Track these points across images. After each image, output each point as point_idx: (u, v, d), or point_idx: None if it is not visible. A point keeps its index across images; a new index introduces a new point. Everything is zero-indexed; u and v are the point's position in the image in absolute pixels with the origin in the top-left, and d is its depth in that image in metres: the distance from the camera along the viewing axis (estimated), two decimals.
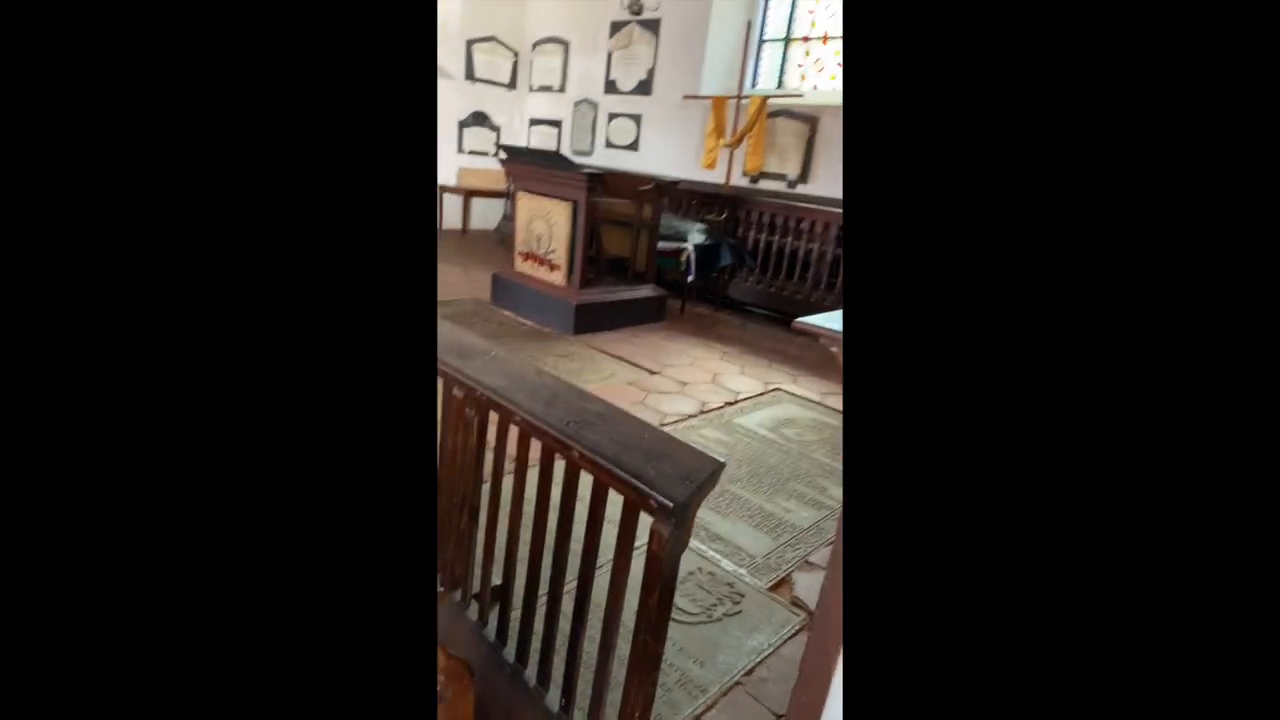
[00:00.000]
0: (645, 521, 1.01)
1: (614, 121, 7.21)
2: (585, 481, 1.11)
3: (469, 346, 1.47)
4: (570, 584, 1.19)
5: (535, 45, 7.95)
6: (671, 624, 1.71)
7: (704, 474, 1.00)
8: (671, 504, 0.96)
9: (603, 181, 4.14)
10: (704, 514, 2.26)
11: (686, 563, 1.96)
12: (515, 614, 1.34)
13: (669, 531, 0.98)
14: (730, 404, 3.33)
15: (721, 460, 1.04)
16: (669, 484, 0.99)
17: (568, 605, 1.19)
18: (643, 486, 0.99)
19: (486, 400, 1.29)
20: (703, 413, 3.17)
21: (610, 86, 7.16)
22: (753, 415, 3.20)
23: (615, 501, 1.05)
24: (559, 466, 1.17)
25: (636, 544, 1.06)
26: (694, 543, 2.07)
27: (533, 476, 1.25)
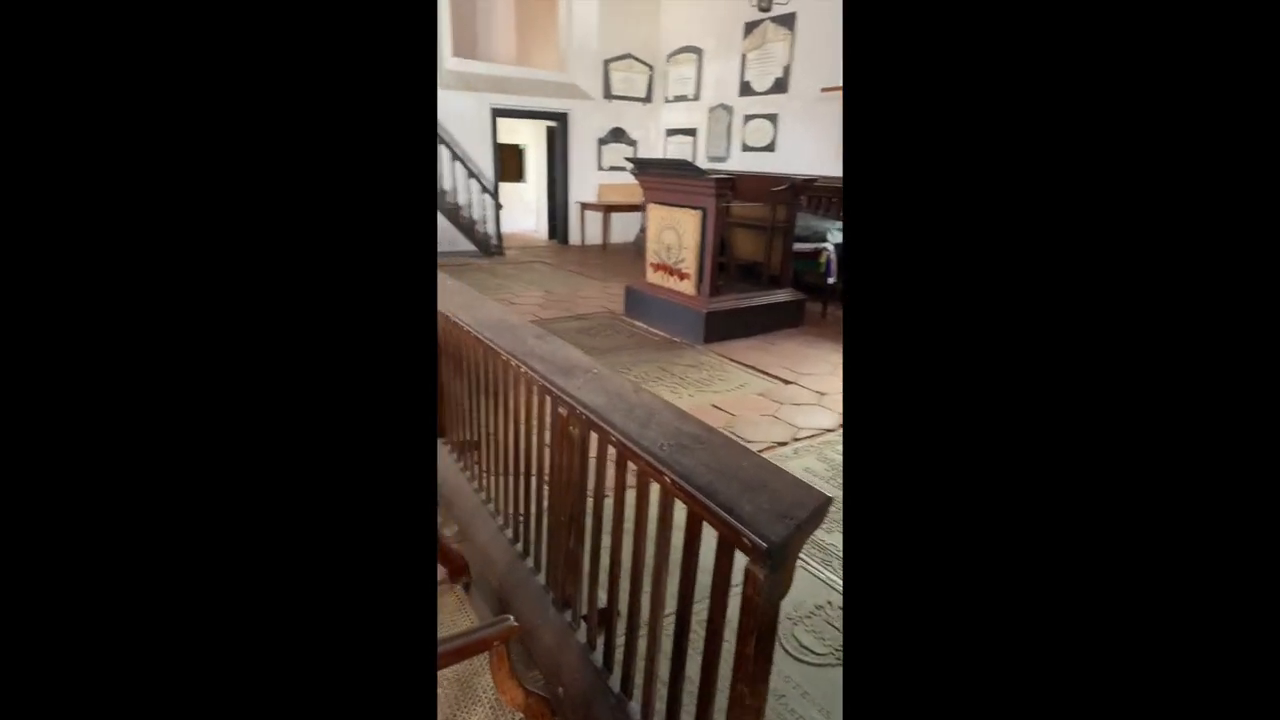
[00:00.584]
0: (742, 559, 0.90)
1: (750, 123, 7.05)
2: (683, 508, 1.03)
3: (574, 364, 1.45)
4: (669, 615, 1.12)
5: (669, 57, 8.02)
6: (795, 663, 1.56)
7: (805, 511, 0.88)
8: (766, 544, 0.85)
9: (732, 186, 4.03)
10: (836, 539, 2.06)
11: (814, 594, 1.79)
12: (620, 640, 1.30)
13: (764, 575, 0.87)
14: None
15: (828, 495, 0.91)
16: (765, 521, 0.88)
17: (670, 634, 1.11)
18: (736, 523, 0.90)
19: (587, 419, 1.26)
20: (841, 427, 2.93)
21: (745, 89, 7.02)
22: None
23: (713, 532, 0.95)
24: (655, 491, 1.10)
25: (734, 582, 0.96)
26: (824, 572, 1.89)
27: (632, 499, 1.19)
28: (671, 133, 8.23)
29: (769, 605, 0.88)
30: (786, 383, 3.48)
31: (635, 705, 1.24)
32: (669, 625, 1.13)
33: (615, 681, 1.30)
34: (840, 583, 1.85)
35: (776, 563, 0.86)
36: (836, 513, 2.23)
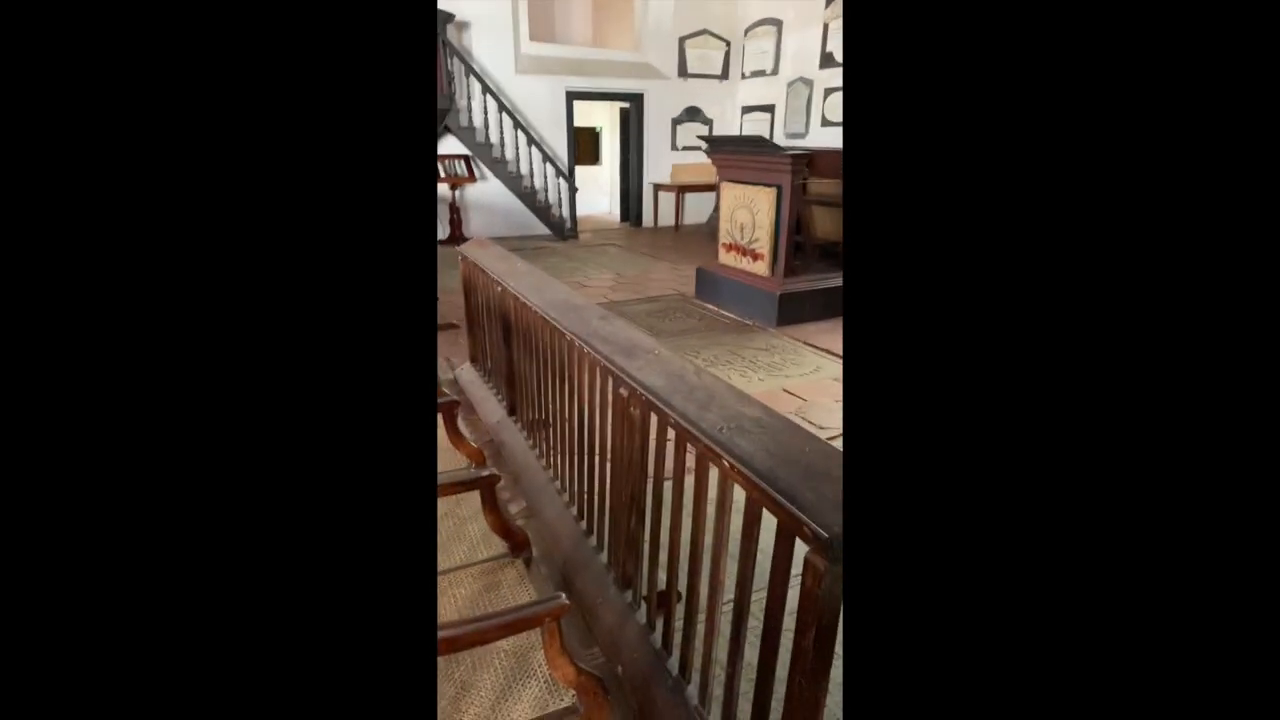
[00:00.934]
0: (802, 549, 0.87)
1: (830, 97, 6.74)
2: (742, 493, 1.00)
3: (635, 345, 1.44)
4: (728, 602, 1.09)
5: (747, 31, 7.78)
6: None
7: None
8: (827, 535, 0.81)
9: (809, 162, 3.87)
10: None
11: None
12: (679, 623, 1.29)
13: (825, 565, 0.82)
14: None
15: None
16: (827, 510, 0.84)
17: (728, 621, 1.09)
18: (796, 510, 0.86)
19: (647, 400, 1.25)
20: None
21: (826, 60, 6.71)
22: None
23: (773, 519, 0.92)
24: (713, 475, 1.08)
25: (794, 572, 0.92)
26: None
27: (692, 482, 1.17)
28: (748, 110, 8.01)
29: (830, 598, 0.84)
30: None
31: (693, 689, 1.23)
32: (729, 610, 1.10)
33: (674, 664, 1.29)
34: None
35: (838, 554, 0.81)
36: None
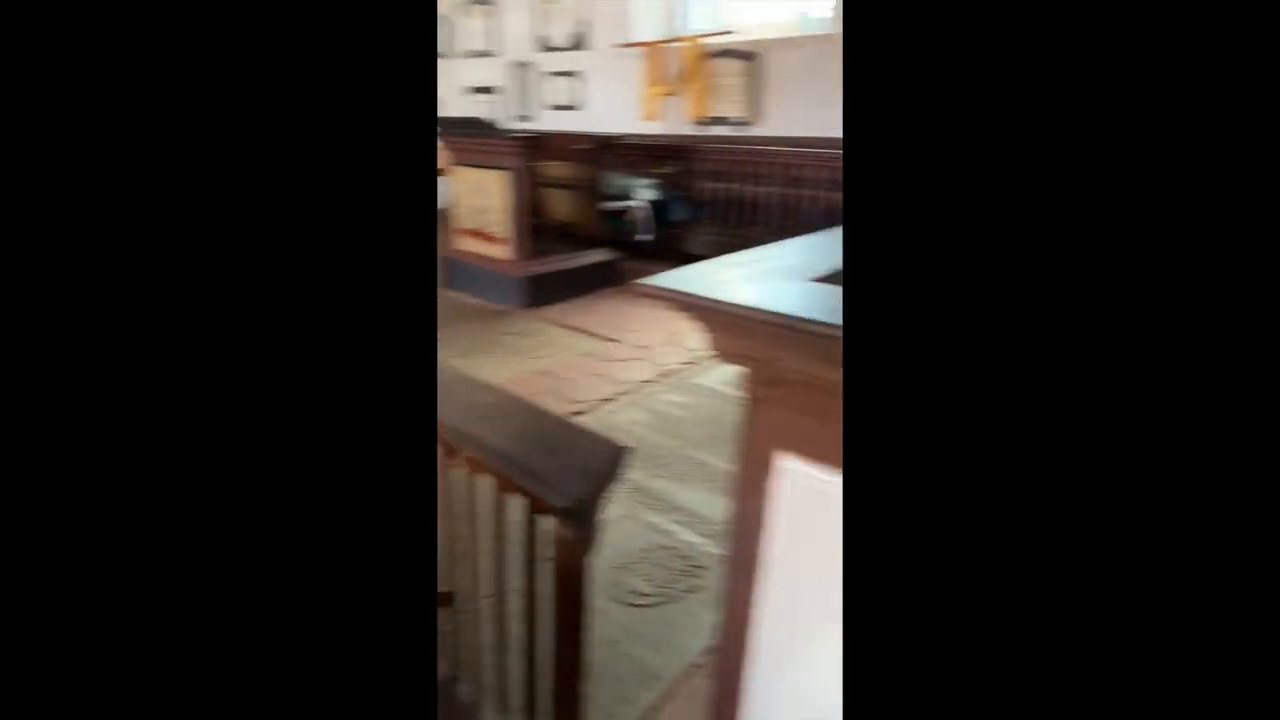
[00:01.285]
0: (548, 521, 0.89)
1: (552, 81, 6.88)
2: (488, 482, 0.99)
3: None
4: (488, 596, 1.09)
5: (460, 8, 7.51)
6: (625, 608, 1.62)
7: (604, 465, 0.88)
8: (567, 503, 0.84)
9: (540, 145, 3.93)
10: (663, 484, 2.16)
11: (640, 539, 1.87)
12: (446, 627, 1.24)
13: (571, 534, 0.86)
14: (690, 363, 3.22)
15: (623, 445, 0.92)
16: (570, 481, 0.87)
17: (491, 615, 1.09)
18: (538, 486, 0.88)
19: None
20: (662, 376, 3.06)
21: (544, 44, 6.81)
22: (714, 373, 3.09)
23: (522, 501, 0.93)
24: (458, 468, 1.05)
25: (543, 545, 0.95)
26: (650, 515, 1.98)
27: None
28: (473, 90, 7.78)
29: (576, 560, 0.89)
30: (609, 340, 3.53)
31: (465, 686, 1.21)
32: (492, 602, 1.10)
33: (442, 667, 1.25)
34: (667, 525, 1.94)
35: (579, 521, 0.86)
36: (665, 457, 2.32)
